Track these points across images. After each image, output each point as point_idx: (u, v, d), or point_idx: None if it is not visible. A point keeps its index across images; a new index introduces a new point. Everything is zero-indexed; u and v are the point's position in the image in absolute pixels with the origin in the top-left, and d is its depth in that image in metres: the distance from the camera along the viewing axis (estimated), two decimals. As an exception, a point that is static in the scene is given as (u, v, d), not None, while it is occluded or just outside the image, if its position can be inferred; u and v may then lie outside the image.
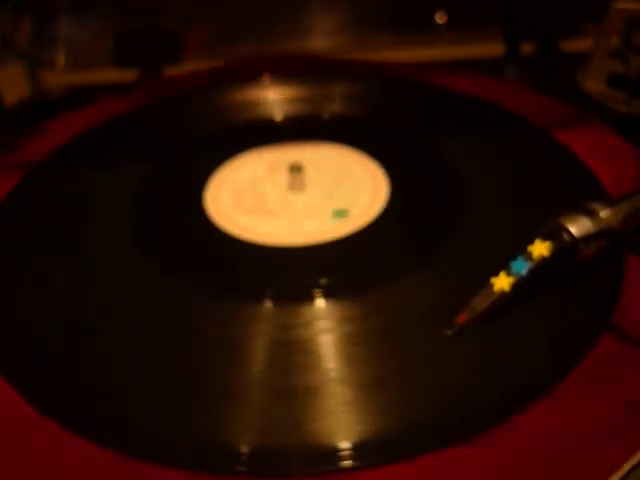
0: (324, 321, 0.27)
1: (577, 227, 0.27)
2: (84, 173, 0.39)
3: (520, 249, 0.27)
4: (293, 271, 0.31)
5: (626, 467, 0.22)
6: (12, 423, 0.23)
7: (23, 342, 0.27)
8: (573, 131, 0.40)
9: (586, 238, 0.27)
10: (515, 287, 0.26)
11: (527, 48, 0.55)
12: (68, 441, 0.22)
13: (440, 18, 0.58)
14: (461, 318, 0.26)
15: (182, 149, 0.42)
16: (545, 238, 0.27)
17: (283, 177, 0.38)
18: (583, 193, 0.32)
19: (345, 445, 0.22)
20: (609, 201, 0.28)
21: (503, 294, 0.26)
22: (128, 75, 0.56)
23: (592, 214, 0.27)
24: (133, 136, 0.44)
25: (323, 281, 0.29)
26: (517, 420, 0.22)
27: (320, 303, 0.28)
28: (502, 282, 0.26)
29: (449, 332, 0.26)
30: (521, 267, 0.26)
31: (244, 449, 0.22)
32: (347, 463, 0.21)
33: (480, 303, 0.26)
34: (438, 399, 0.24)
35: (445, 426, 0.23)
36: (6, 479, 0.22)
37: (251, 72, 0.50)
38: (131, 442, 0.22)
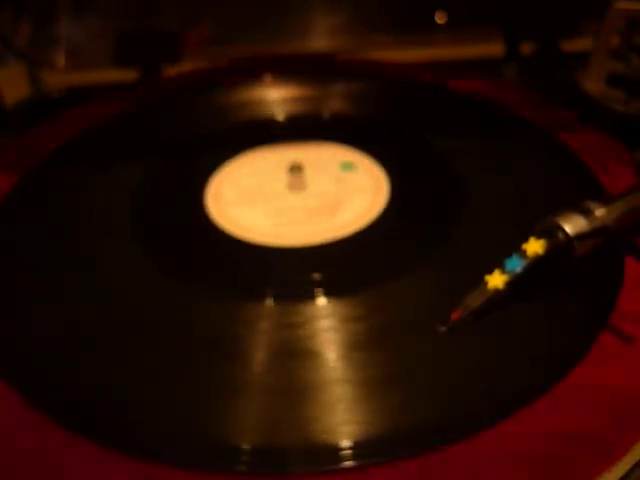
0: (324, 320, 0.27)
1: (572, 225, 0.27)
2: (84, 173, 0.39)
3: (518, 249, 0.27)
4: (293, 271, 0.31)
5: (626, 467, 0.22)
6: (12, 423, 0.23)
7: (23, 342, 0.27)
8: (573, 131, 0.40)
9: (580, 236, 0.27)
10: (509, 285, 0.26)
11: (527, 48, 0.55)
12: (68, 441, 0.22)
13: (440, 18, 0.58)
14: (455, 315, 0.26)
15: (182, 149, 0.42)
16: (540, 236, 0.27)
17: (283, 177, 0.38)
18: (583, 193, 0.32)
19: (345, 444, 0.22)
20: (605, 200, 0.28)
21: (497, 292, 0.26)
22: (128, 75, 0.56)
23: (587, 213, 0.27)
24: (133, 136, 0.44)
25: (323, 281, 0.29)
26: (516, 419, 0.22)
27: (320, 303, 0.28)
28: (496, 280, 0.26)
29: (443, 328, 0.26)
30: (515, 265, 0.26)
31: (245, 448, 0.22)
32: (347, 462, 0.21)
33: (474, 300, 0.26)
34: (438, 398, 0.24)
35: (445, 425, 0.23)
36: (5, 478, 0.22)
37: (251, 72, 0.50)
38: (131, 441, 0.22)
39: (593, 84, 0.45)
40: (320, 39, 0.59)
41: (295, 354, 0.26)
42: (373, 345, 0.26)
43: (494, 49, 0.55)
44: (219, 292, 0.29)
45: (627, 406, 0.23)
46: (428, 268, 0.30)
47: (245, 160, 0.41)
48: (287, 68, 0.50)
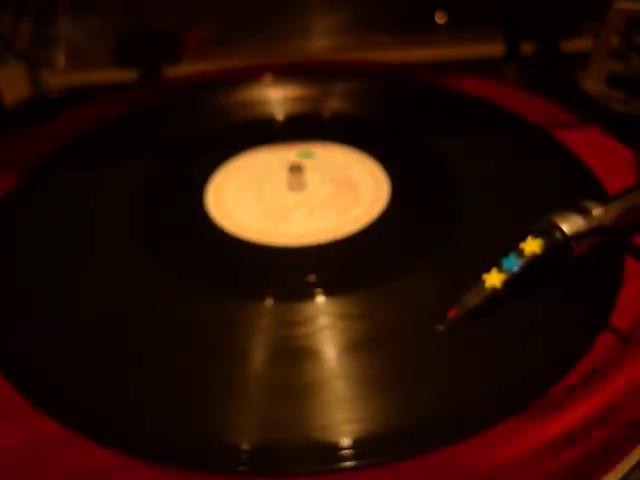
0: (324, 320, 0.27)
1: (569, 225, 0.27)
2: (84, 173, 0.39)
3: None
4: (293, 270, 0.31)
5: (626, 467, 0.22)
6: (11, 422, 0.23)
7: (23, 341, 0.27)
8: (572, 131, 0.40)
9: (578, 236, 0.27)
10: (506, 284, 0.26)
11: (527, 48, 0.55)
12: (68, 441, 0.23)
13: (440, 18, 0.58)
14: (452, 313, 0.26)
15: (182, 149, 0.42)
16: (537, 235, 0.27)
17: (283, 177, 0.38)
18: (582, 193, 0.32)
19: (346, 443, 0.22)
20: (603, 199, 0.28)
21: (494, 290, 0.26)
22: (128, 75, 0.56)
23: (585, 212, 0.27)
24: (133, 136, 0.44)
25: (323, 280, 0.29)
26: (516, 419, 0.22)
27: (320, 302, 0.28)
28: (493, 278, 0.26)
29: (440, 327, 0.26)
30: (512, 264, 0.26)
31: (244, 447, 0.22)
32: (347, 462, 0.21)
33: (471, 299, 0.26)
34: (438, 398, 0.24)
35: (445, 425, 0.23)
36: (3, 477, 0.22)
37: (252, 72, 0.50)
38: (131, 441, 0.22)
39: (593, 84, 0.45)
40: (320, 39, 0.59)
41: (295, 354, 0.26)
42: (373, 345, 0.26)
43: (494, 49, 0.55)
44: (219, 292, 0.29)
45: (627, 405, 0.23)
46: (428, 268, 0.30)
47: (245, 160, 0.41)
48: (287, 69, 0.51)
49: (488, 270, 0.27)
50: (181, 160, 0.41)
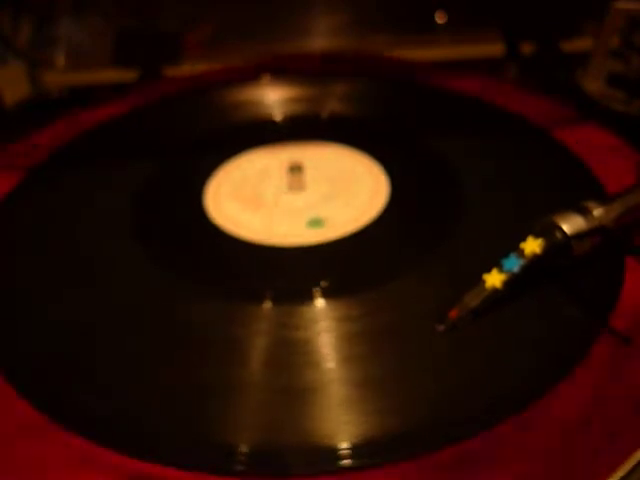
0: (324, 321, 0.27)
1: (570, 225, 0.27)
2: (84, 173, 0.39)
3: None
4: (293, 271, 0.31)
5: (626, 467, 0.22)
6: (11, 423, 0.23)
7: (22, 342, 0.27)
8: (573, 131, 0.40)
9: (578, 236, 0.27)
10: (507, 284, 0.26)
11: (527, 48, 0.55)
12: (67, 441, 0.23)
13: (440, 18, 0.58)
14: (452, 314, 0.26)
15: (182, 149, 0.42)
16: (538, 235, 0.27)
17: (283, 177, 0.38)
18: (583, 193, 0.32)
19: (345, 445, 0.22)
20: (603, 200, 0.28)
21: (495, 291, 0.26)
22: (128, 75, 0.56)
23: (585, 212, 0.27)
24: (133, 136, 0.44)
25: (323, 281, 0.29)
26: (516, 420, 0.22)
27: (320, 303, 0.28)
28: (494, 279, 0.26)
29: (441, 327, 0.26)
30: (513, 264, 0.26)
31: (244, 449, 0.22)
32: (347, 463, 0.21)
33: (472, 299, 0.26)
34: (438, 398, 0.24)
35: (445, 425, 0.23)
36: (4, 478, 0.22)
37: (251, 72, 0.50)
38: (130, 441, 0.22)
39: (593, 84, 0.45)
40: (320, 39, 0.59)
41: (294, 354, 0.26)
42: (372, 346, 0.26)
43: (494, 49, 0.55)
44: (219, 292, 0.29)
45: (625, 405, 0.23)
46: (428, 268, 0.30)
47: (245, 160, 0.41)
48: (288, 67, 0.51)
49: (488, 270, 0.27)
50: (181, 161, 0.41)
